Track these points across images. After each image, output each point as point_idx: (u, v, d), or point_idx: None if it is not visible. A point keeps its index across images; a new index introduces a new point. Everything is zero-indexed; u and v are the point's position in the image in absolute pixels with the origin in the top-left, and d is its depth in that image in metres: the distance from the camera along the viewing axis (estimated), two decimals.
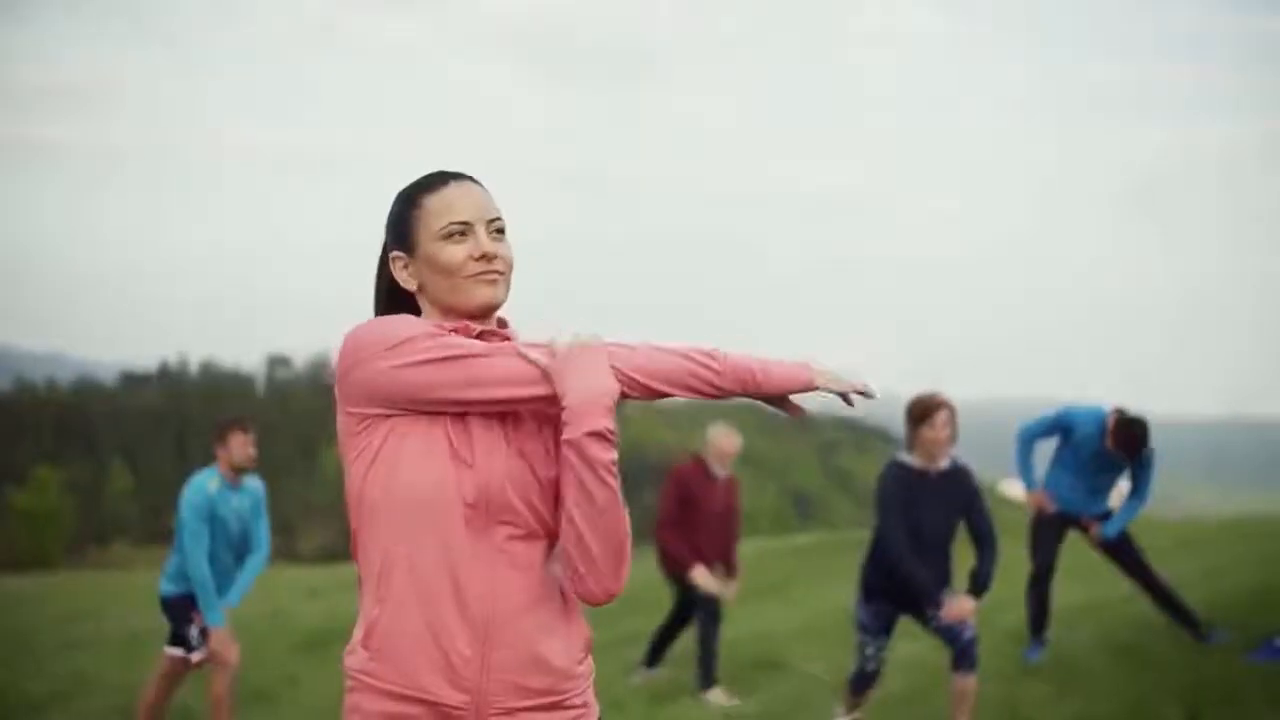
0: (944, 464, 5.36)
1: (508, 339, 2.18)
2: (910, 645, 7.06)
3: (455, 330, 2.13)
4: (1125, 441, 6.71)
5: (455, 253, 2.13)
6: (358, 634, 2.12)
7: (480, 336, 2.15)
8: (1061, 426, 7.01)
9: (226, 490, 6.14)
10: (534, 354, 2.08)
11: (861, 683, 5.64)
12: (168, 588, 6.24)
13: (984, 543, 5.37)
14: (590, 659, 2.20)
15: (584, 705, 2.15)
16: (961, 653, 5.29)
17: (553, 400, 2.07)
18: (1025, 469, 7.12)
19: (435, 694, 2.05)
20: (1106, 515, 7.02)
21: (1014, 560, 6.79)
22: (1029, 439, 7.08)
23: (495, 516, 2.07)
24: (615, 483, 2.06)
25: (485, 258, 2.13)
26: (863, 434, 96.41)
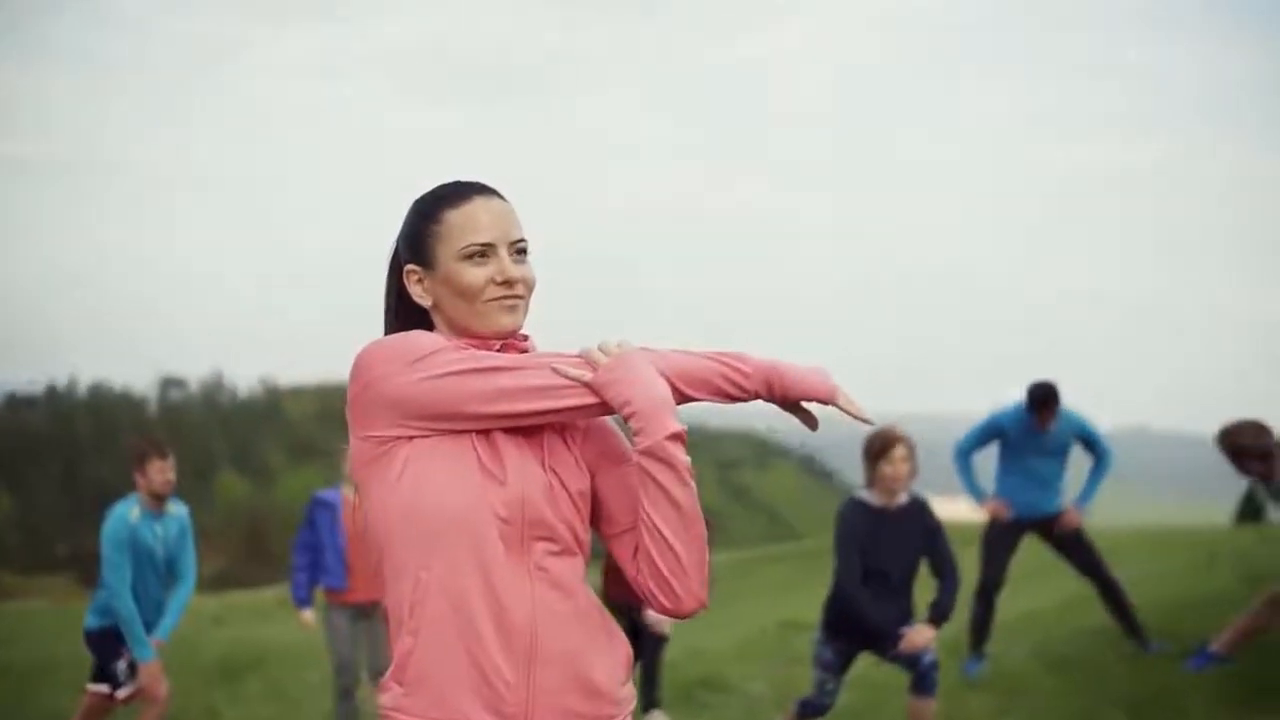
0: (903, 499, 5.29)
1: (526, 353, 2.08)
2: (858, 662, 7.01)
3: (474, 346, 2.03)
4: (1042, 404, 6.85)
5: (476, 275, 2.02)
6: (390, 671, 2.00)
7: (500, 350, 2.05)
8: (993, 431, 7.07)
9: (149, 518, 5.89)
10: (568, 367, 1.98)
11: (813, 710, 5.56)
12: (92, 621, 5.98)
13: (945, 574, 5.31)
14: (632, 683, 2.10)
15: None
16: (921, 676, 5.23)
17: (589, 411, 1.99)
18: (970, 483, 7.16)
19: None
20: (1056, 516, 7.05)
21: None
22: (965, 453, 7.12)
23: (531, 533, 1.97)
24: (694, 486, 1.97)
25: (507, 283, 2.03)
26: (765, 450, 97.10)
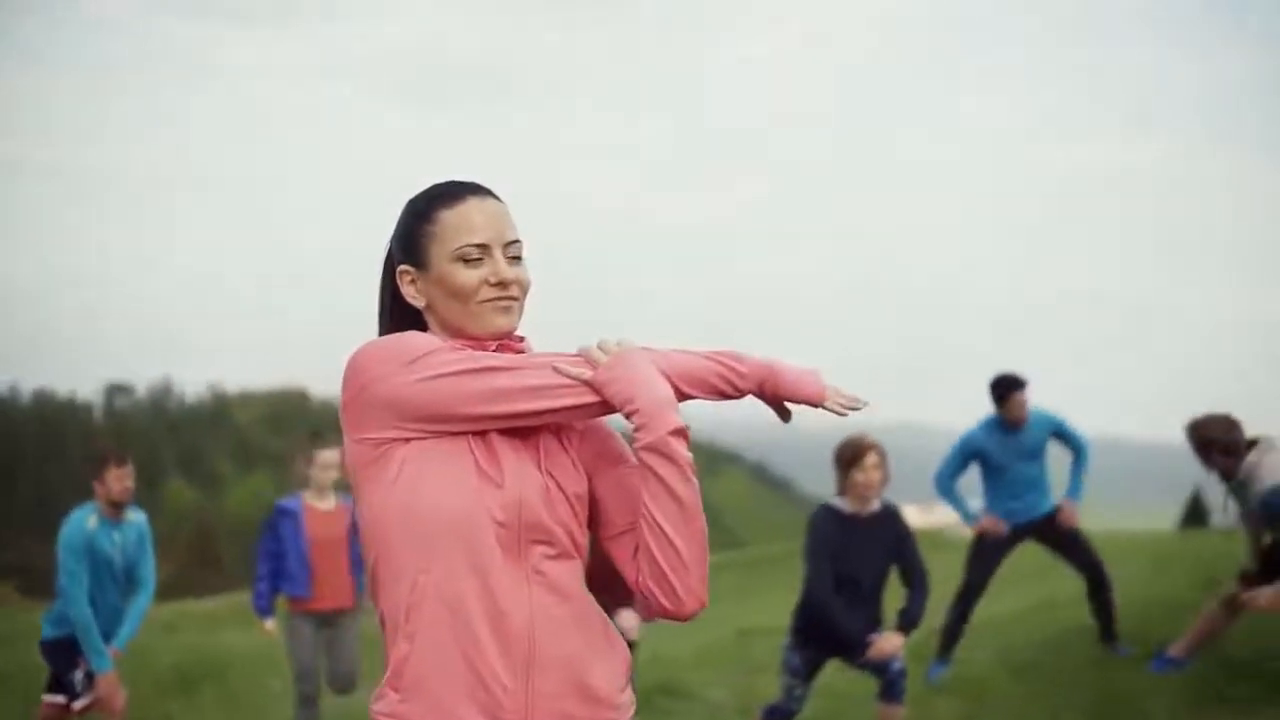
0: (874, 506, 5.29)
1: (521, 354, 2.05)
2: (824, 669, 7.02)
3: (470, 348, 2.01)
4: (1000, 395, 6.88)
5: (470, 277, 2.01)
6: (386, 677, 1.96)
7: (496, 351, 2.03)
8: (967, 452, 7.06)
9: (107, 526, 5.80)
10: (567, 365, 1.96)
11: (780, 716, 5.56)
12: (48, 631, 5.88)
13: (915, 582, 5.31)
14: (630, 689, 2.07)
15: None
16: (890, 684, 5.24)
17: (588, 410, 1.98)
18: (960, 507, 7.15)
19: None
20: (1053, 514, 7.03)
21: None
22: (947, 481, 7.09)
23: (529, 536, 1.95)
24: (696, 483, 1.95)
25: (501, 284, 2.01)
26: (713, 456, 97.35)
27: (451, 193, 2.05)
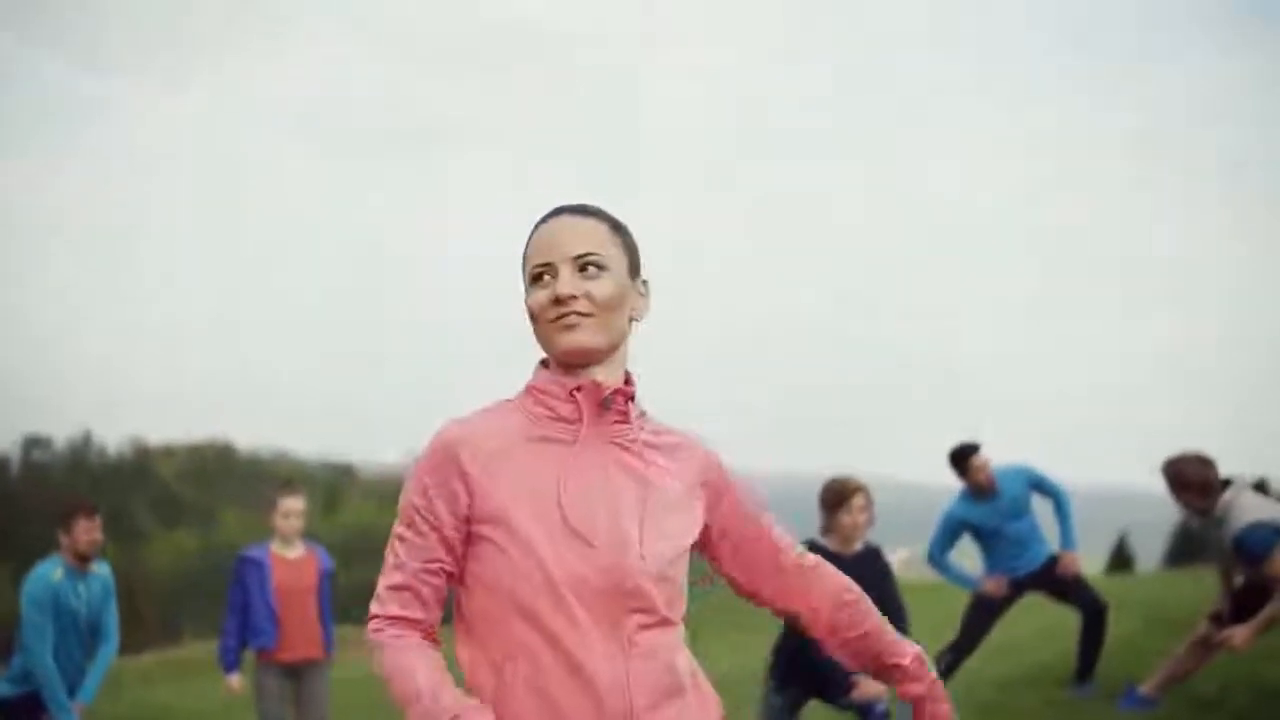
0: (858, 546, 5.34)
1: (624, 414, 1.95)
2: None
3: (551, 394, 1.94)
4: (959, 466, 6.95)
5: (538, 298, 1.92)
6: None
7: (602, 404, 1.93)
8: (952, 526, 7.08)
9: (73, 579, 5.72)
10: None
11: None
12: (7, 689, 5.77)
13: (896, 621, 5.35)
14: None
15: None
16: None
17: None
18: (960, 577, 7.20)
19: None
20: (1051, 561, 7.06)
21: None
22: (941, 554, 7.12)
23: (625, 604, 1.86)
24: None
25: (559, 300, 1.89)
26: None
27: (545, 217, 1.98)
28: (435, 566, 1.88)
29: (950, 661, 7.11)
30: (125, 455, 79.26)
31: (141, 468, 76.65)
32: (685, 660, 1.95)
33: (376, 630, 1.88)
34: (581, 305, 1.89)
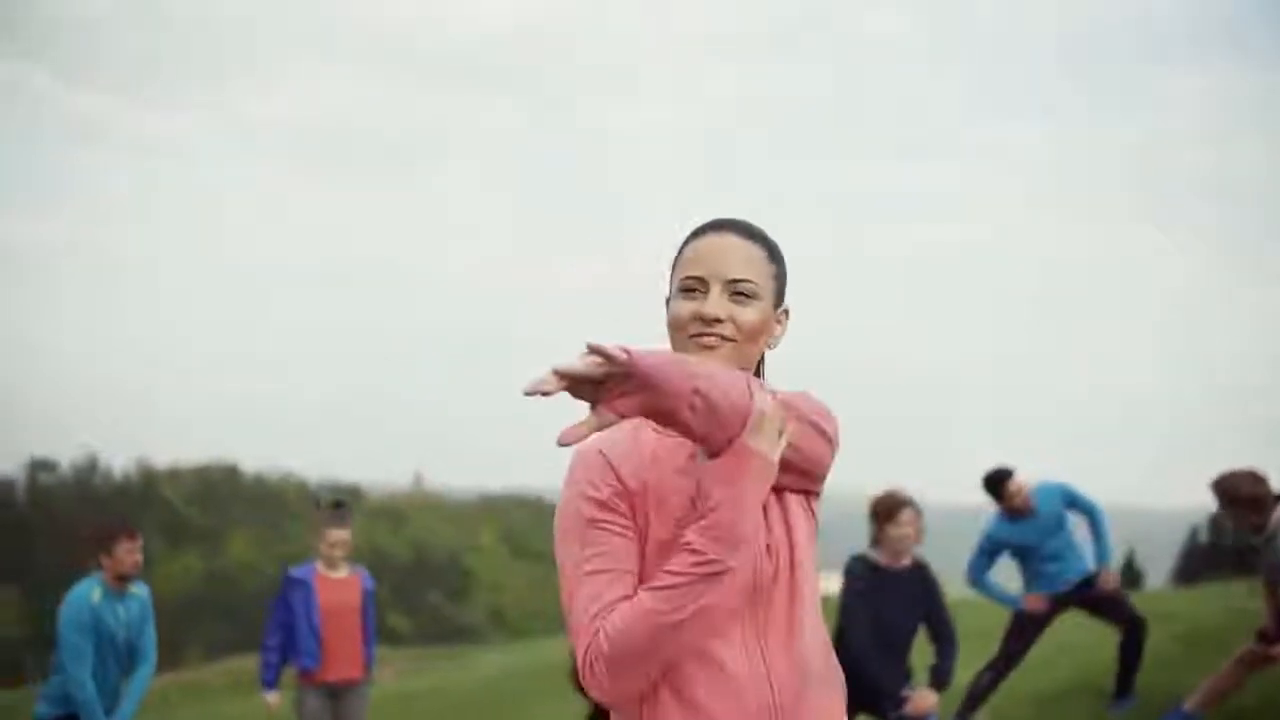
0: (906, 560, 5.35)
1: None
2: None
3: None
4: (995, 492, 6.95)
5: (682, 309, 1.93)
6: None
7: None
8: (991, 547, 7.09)
9: (111, 600, 5.71)
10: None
11: None
12: (45, 710, 5.76)
13: (944, 639, 5.38)
14: None
15: None
16: None
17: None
18: (1001, 596, 7.20)
19: None
20: (1089, 577, 7.06)
21: None
22: (981, 575, 7.13)
23: (762, 613, 1.91)
24: None
25: (704, 319, 1.90)
26: None
27: (703, 227, 1.99)
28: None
29: (991, 679, 7.09)
30: (131, 478, 79.20)
31: (147, 490, 76.62)
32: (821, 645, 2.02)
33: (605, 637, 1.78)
34: (726, 329, 1.91)
